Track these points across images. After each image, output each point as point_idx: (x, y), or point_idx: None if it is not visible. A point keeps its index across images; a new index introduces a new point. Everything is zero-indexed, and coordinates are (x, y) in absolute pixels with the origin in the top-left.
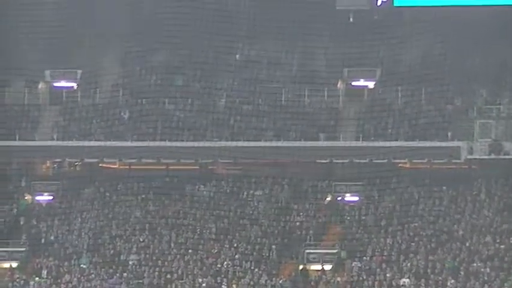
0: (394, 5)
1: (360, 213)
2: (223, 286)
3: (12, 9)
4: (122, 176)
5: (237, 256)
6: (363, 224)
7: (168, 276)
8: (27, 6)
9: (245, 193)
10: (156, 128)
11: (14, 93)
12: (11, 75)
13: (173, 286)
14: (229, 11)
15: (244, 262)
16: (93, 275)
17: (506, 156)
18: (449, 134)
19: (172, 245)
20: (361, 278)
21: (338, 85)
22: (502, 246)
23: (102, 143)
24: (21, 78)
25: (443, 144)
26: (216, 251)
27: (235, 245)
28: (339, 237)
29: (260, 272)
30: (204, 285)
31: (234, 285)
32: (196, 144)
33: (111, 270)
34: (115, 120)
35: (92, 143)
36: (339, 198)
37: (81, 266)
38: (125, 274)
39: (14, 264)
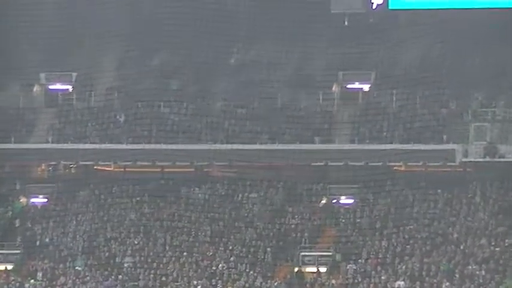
0: (389, 8)
1: (354, 215)
2: None
3: (9, 12)
4: (117, 179)
5: (232, 258)
6: (358, 227)
7: (163, 278)
8: (24, 8)
9: (240, 196)
10: (151, 131)
11: (9, 96)
12: (6, 78)
13: None
14: (223, 15)
15: (239, 264)
16: (88, 278)
17: (501, 159)
18: (444, 137)
19: (167, 247)
20: (356, 281)
21: (333, 88)
22: (497, 249)
23: (97, 146)
24: (17, 81)
25: (439, 147)
26: (211, 253)
27: (230, 247)
28: (334, 240)
29: (255, 274)
30: (199, 287)
31: None
32: (191, 146)
33: (106, 273)
34: (110, 123)
35: (87, 146)
36: (334, 201)
37: (76, 268)
38: (120, 276)
39: (9, 267)
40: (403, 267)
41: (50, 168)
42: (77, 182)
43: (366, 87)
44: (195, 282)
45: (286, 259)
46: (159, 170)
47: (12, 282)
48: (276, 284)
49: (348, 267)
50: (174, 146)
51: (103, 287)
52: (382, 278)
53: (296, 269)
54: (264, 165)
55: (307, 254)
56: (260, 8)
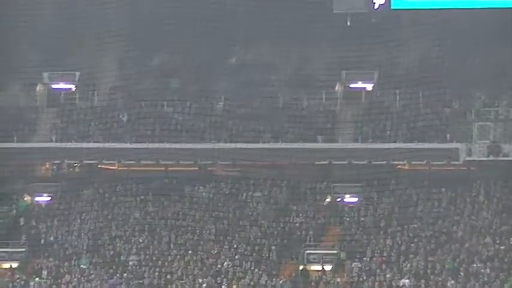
0: (392, 7)
1: (359, 214)
2: (223, 286)
3: (11, 11)
4: (121, 178)
5: (237, 257)
6: (362, 225)
7: (168, 276)
8: (24, 8)
9: (244, 194)
10: (154, 130)
11: (12, 95)
12: (8, 78)
13: (173, 286)
14: (225, 14)
15: (244, 263)
16: (93, 276)
17: (505, 158)
18: (447, 135)
19: (172, 245)
20: (361, 279)
21: (336, 87)
22: (502, 247)
23: (101, 145)
24: (19, 81)
25: (442, 146)
26: (215, 251)
27: (235, 245)
28: (339, 238)
29: (260, 272)
30: (204, 285)
31: (234, 286)
32: (195, 145)
33: (111, 271)
34: (113, 123)
35: (91, 145)
36: (338, 200)
37: (81, 266)
38: (125, 274)
39: (14, 265)
40: (408, 265)
41: (54, 167)
42: (81, 181)
43: (369, 86)
44: (200, 280)
45: (291, 257)
46: (163, 169)
47: (17, 280)
48: (280, 282)
49: (352, 265)
50: (177, 145)
51: (108, 285)
52: (387, 276)
53: (301, 267)
54: (268, 164)
55: (312, 252)
56: (262, 7)
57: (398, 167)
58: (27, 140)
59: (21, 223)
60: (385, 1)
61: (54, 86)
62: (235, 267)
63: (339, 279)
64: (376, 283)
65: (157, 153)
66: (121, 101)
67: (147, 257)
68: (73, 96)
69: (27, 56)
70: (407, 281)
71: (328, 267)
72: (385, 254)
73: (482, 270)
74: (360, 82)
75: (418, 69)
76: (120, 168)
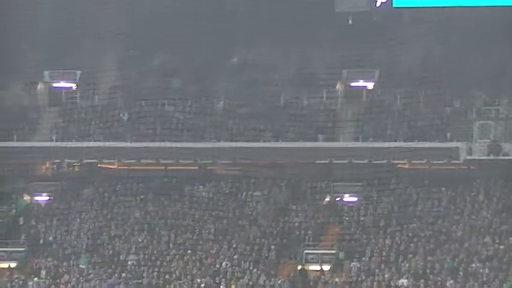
0: (393, 6)
1: (358, 214)
2: (221, 286)
3: (11, 10)
4: (121, 177)
5: (235, 256)
6: (362, 225)
7: (167, 276)
8: (25, 7)
9: (244, 194)
10: (155, 129)
11: (12, 94)
12: (9, 77)
13: (172, 286)
14: (227, 13)
15: (243, 262)
16: (92, 275)
17: (505, 157)
18: (448, 134)
19: (171, 245)
20: (359, 279)
21: (337, 86)
22: (501, 247)
23: (101, 144)
24: (20, 80)
25: (442, 145)
26: (214, 251)
27: (234, 245)
28: (338, 238)
29: (259, 272)
30: (202, 285)
31: (232, 286)
32: (195, 145)
33: (110, 271)
34: (114, 122)
35: (91, 144)
36: (338, 199)
37: (80, 266)
38: (123, 274)
39: (13, 265)
40: (407, 265)
41: (54, 166)
42: (80, 180)
43: (370, 85)
44: (198, 280)
45: (290, 257)
46: (163, 168)
47: (16, 280)
48: (279, 281)
49: (351, 265)
50: (178, 144)
51: (107, 284)
52: (386, 275)
53: (299, 267)
54: (268, 163)
55: (310, 252)
56: (263, 6)
57: (398, 166)
58: (28, 139)
59: (21, 222)
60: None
61: (55, 85)
62: (234, 267)
63: (337, 279)
64: (375, 283)
65: (158, 152)
66: (121, 100)
67: (146, 256)
68: (74, 95)
69: (27, 55)
70: (406, 280)
71: (326, 267)
72: (384, 254)
73: (481, 270)
74: (361, 81)
75: (419, 68)
76: (120, 168)
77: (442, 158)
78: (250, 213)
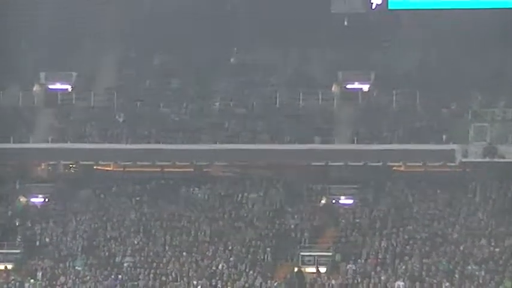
0: (389, 8)
1: (354, 216)
2: None
3: (9, 12)
4: (117, 178)
5: (232, 258)
6: (358, 227)
7: (163, 278)
8: (23, 8)
9: (240, 195)
10: (151, 131)
11: (8, 96)
12: (5, 78)
13: None
14: (224, 15)
15: (239, 264)
16: (88, 277)
17: (501, 160)
18: (444, 137)
19: (167, 247)
20: (355, 281)
21: (333, 88)
22: (497, 250)
23: (97, 145)
24: (16, 81)
25: (438, 147)
26: (210, 253)
27: (230, 247)
28: (334, 240)
29: (255, 274)
30: (199, 287)
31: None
32: (191, 146)
33: (106, 272)
34: (110, 124)
35: (87, 145)
36: (334, 201)
37: (76, 268)
38: (119, 276)
39: (9, 266)
40: (403, 267)
41: (50, 167)
42: (76, 182)
43: (365, 87)
44: (194, 282)
45: (286, 259)
46: (159, 169)
47: (12, 282)
48: (275, 284)
49: (347, 267)
50: (173, 146)
51: (103, 286)
52: (382, 278)
53: (296, 269)
54: (264, 165)
55: (306, 254)
56: (260, 8)
57: (394, 168)
58: (24, 141)
59: (17, 224)
60: (383, 1)
61: (51, 87)
62: (230, 269)
63: (333, 281)
64: (371, 285)
65: (154, 154)
66: (118, 101)
67: (142, 258)
68: (70, 96)
69: (24, 56)
70: (402, 283)
71: (323, 269)
72: (380, 256)
73: (477, 273)
74: (357, 83)
75: (415, 70)
76: (115, 169)
77: (438, 160)
78: (246, 215)
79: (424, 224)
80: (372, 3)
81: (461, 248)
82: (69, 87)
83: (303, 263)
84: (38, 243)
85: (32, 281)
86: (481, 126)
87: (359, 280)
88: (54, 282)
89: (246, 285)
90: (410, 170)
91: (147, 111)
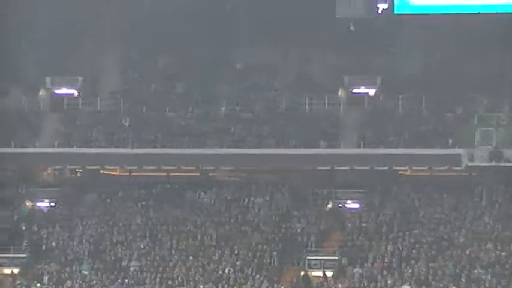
0: (395, 12)
1: (360, 220)
2: None
3: (13, 17)
4: (123, 183)
5: (238, 262)
6: (364, 231)
7: (170, 282)
8: (27, 13)
9: (246, 200)
10: (156, 135)
11: (14, 100)
12: (11, 82)
13: None
14: (229, 19)
15: (245, 268)
16: (94, 281)
17: (507, 164)
18: (450, 141)
19: (173, 251)
20: (362, 285)
21: (339, 93)
22: (503, 253)
23: (103, 150)
24: (22, 86)
25: (444, 151)
26: (217, 257)
27: (236, 251)
28: (340, 244)
29: (261, 278)
30: None
31: None
32: (197, 151)
33: (112, 277)
34: (116, 128)
35: (93, 150)
36: (340, 205)
37: (83, 272)
38: (126, 280)
39: (16, 270)
40: (409, 271)
41: (56, 172)
42: (82, 186)
43: (371, 91)
44: (201, 286)
45: (292, 263)
46: (165, 174)
47: (19, 286)
48: (282, 287)
49: (354, 271)
50: (179, 151)
51: None
52: (388, 282)
53: (302, 273)
54: (270, 170)
55: (313, 258)
56: (265, 12)
57: (400, 172)
58: (30, 145)
59: (23, 228)
60: (388, 6)
61: (56, 91)
62: (236, 273)
63: (340, 285)
64: None
65: (160, 159)
66: (124, 106)
67: (149, 262)
68: (75, 101)
69: (29, 61)
70: (409, 287)
71: (329, 273)
72: (386, 260)
73: (483, 277)
74: (363, 87)
75: (421, 74)
76: (121, 174)
77: (444, 165)
78: (252, 219)
79: (430, 228)
80: (378, 8)
81: (468, 252)
82: (75, 92)
83: (309, 267)
84: (44, 247)
85: (38, 285)
86: (487, 130)
87: (365, 284)
88: (60, 287)
89: None
90: (416, 174)
91: (153, 115)
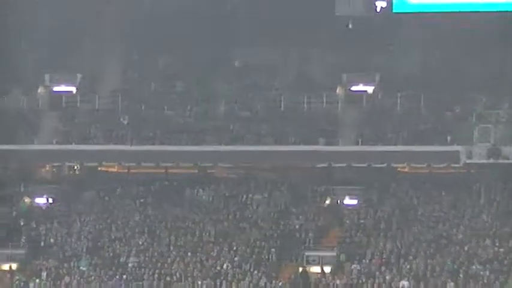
0: (393, 11)
1: (358, 216)
2: None
3: (12, 14)
4: (122, 180)
5: (236, 258)
6: (362, 227)
7: (168, 278)
8: (26, 10)
9: (244, 197)
10: (155, 132)
11: (13, 98)
12: (10, 80)
13: None
14: (228, 17)
15: (243, 264)
16: (92, 277)
17: (505, 161)
18: (448, 138)
19: (171, 247)
20: (360, 281)
21: (337, 90)
22: (501, 250)
23: (101, 147)
24: (21, 83)
25: (443, 148)
26: (215, 253)
27: (234, 247)
28: (338, 240)
29: (260, 274)
30: (203, 287)
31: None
32: (195, 148)
33: (110, 273)
34: (115, 126)
35: (91, 147)
36: (338, 202)
37: (81, 268)
38: (124, 276)
39: (14, 266)
40: (408, 267)
41: (55, 169)
42: (81, 183)
43: (370, 89)
44: (199, 282)
45: (291, 259)
46: (163, 171)
47: (17, 282)
48: (280, 284)
49: (352, 268)
50: (178, 148)
51: (107, 287)
52: (387, 278)
53: (300, 269)
54: (268, 167)
55: (311, 254)
56: (264, 10)
57: (398, 169)
58: (29, 142)
59: (21, 225)
60: (387, 4)
61: (55, 89)
62: (234, 269)
63: (338, 281)
64: (376, 285)
65: (158, 156)
66: (122, 104)
67: (147, 258)
68: (74, 99)
69: (28, 59)
70: (407, 283)
71: (327, 269)
72: (384, 256)
73: (481, 273)
74: (361, 85)
75: (419, 73)
76: (120, 171)
77: (442, 162)
78: (250, 216)
79: (428, 225)
80: (377, 7)
81: (466, 248)
82: (73, 90)
83: (308, 263)
84: (42, 243)
85: (36, 281)
86: (485, 127)
87: (364, 280)
88: (58, 282)
89: (251, 285)
90: (414, 172)
91: (152, 113)
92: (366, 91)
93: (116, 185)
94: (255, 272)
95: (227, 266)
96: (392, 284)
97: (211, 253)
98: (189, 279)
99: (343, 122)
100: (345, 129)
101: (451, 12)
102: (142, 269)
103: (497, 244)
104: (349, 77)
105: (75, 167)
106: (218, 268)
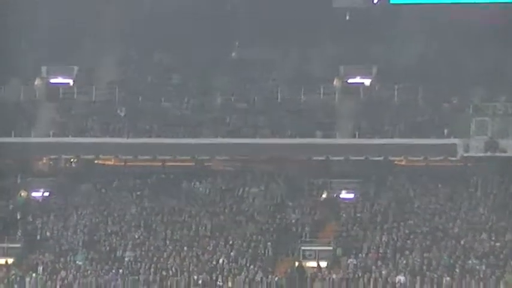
0: (391, 2)
1: (355, 210)
2: (218, 283)
3: (10, 6)
4: (118, 173)
5: (232, 253)
6: (359, 221)
7: (164, 272)
8: (24, 4)
9: (241, 190)
10: (152, 125)
11: (10, 90)
12: (7, 72)
13: (169, 282)
14: (225, 10)
15: (240, 259)
16: (88, 272)
17: (502, 154)
18: (445, 131)
19: (167, 241)
20: (356, 275)
21: (334, 82)
22: (498, 244)
23: (98, 140)
24: (18, 75)
25: (440, 141)
26: (211, 247)
27: (230, 241)
28: (335, 234)
29: (256, 268)
30: (199, 281)
31: (229, 282)
32: (192, 141)
33: (106, 267)
34: (112, 118)
35: (88, 140)
36: (335, 195)
37: (77, 262)
38: (120, 270)
39: (10, 260)
40: (404, 261)
41: (51, 162)
42: (77, 176)
43: (367, 81)
44: (195, 276)
45: (287, 253)
46: (160, 164)
47: (13, 276)
48: (276, 278)
49: (348, 262)
50: (175, 140)
51: (103, 281)
52: (383, 272)
53: (297, 264)
54: (265, 160)
55: (307, 248)
56: (262, 2)
57: (395, 162)
58: (25, 135)
59: (18, 218)
60: None
61: (52, 81)
62: (230, 264)
63: (334, 276)
64: (372, 279)
65: (155, 148)
66: (119, 96)
67: (143, 253)
68: (71, 91)
69: (25, 51)
70: (403, 277)
71: (323, 264)
72: (381, 251)
73: (478, 267)
74: (358, 77)
75: (417, 64)
76: (116, 164)
77: (439, 155)
78: (247, 209)
79: (425, 218)
80: None
81: (462, 242)
82: (70, 82)
83: (304, 258)
84: (38, 237)
85: (33, 275)
86: (483, 120)
87: (360, 274)
88: (54, 277)
89: (247, 279)
90: (411, 165)
91: (149, 106)
92: (363, 83)
93: (113, 177)
94: (251, 266)
95: (223, 261)
96: (389, 279)
97: (208, 247)
98: (185, 273)
99: (340, 115)
100: (342, 122)
101: (448, 3)
102: (139, 263)
103: (493, 238)
104: (346, 69)
105: (72, 160)
106: (214, 262)
